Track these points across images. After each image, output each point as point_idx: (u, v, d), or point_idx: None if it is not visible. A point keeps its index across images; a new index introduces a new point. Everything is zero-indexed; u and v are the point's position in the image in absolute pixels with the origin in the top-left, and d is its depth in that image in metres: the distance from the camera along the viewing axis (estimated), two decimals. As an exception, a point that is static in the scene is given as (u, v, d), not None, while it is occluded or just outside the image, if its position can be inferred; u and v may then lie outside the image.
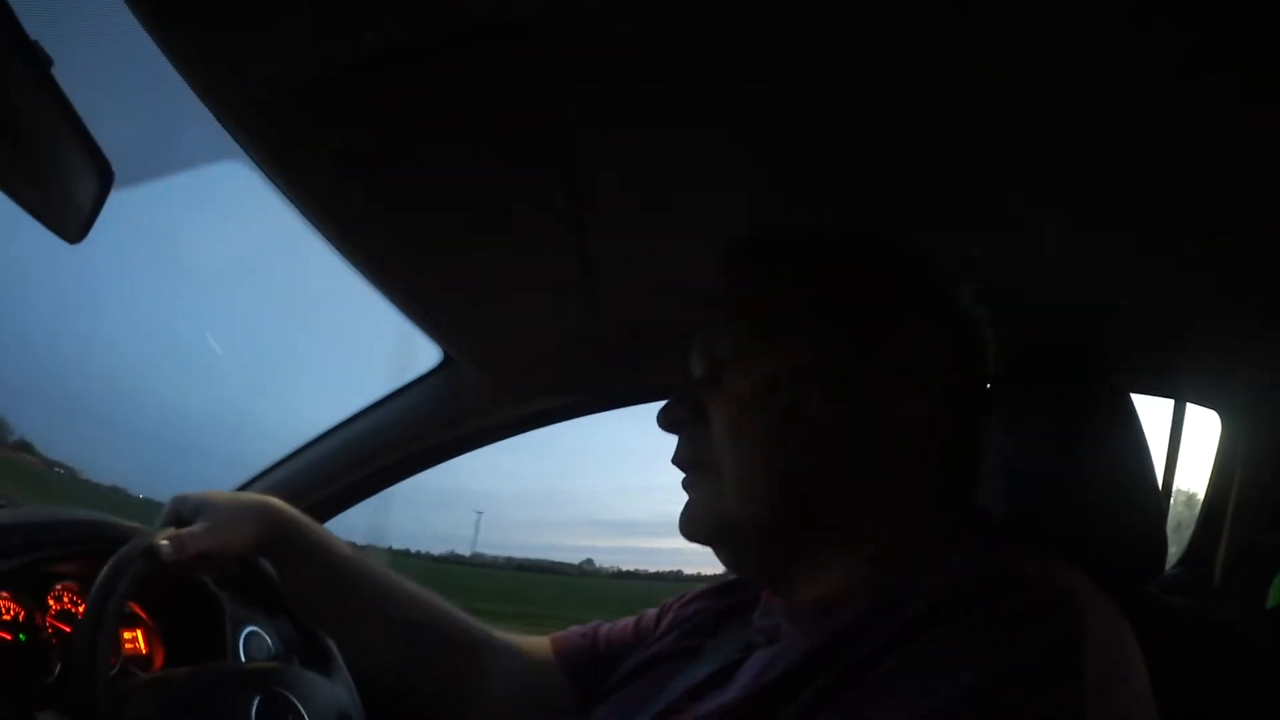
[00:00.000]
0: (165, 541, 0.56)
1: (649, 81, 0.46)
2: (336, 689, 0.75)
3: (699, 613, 0.58)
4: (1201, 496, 1.05)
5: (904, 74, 0.46)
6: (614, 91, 0.47)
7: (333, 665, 0.78)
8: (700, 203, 0.60)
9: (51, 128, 0.41)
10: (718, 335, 0.49)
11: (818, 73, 0.46)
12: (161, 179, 0.68)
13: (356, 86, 0.44)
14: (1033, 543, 0.43)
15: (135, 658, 0.72)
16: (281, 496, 0.66)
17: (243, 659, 0.74)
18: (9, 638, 0.61)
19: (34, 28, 0.38)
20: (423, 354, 0.90)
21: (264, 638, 0.78)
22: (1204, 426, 1.00)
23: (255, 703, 0.62)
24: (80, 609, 0.67)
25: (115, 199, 0.46)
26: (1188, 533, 1.07)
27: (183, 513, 0.61)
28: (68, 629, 0.66)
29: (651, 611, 0.65)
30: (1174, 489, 1.04)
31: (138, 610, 0.73)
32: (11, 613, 0.62)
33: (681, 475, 0.50)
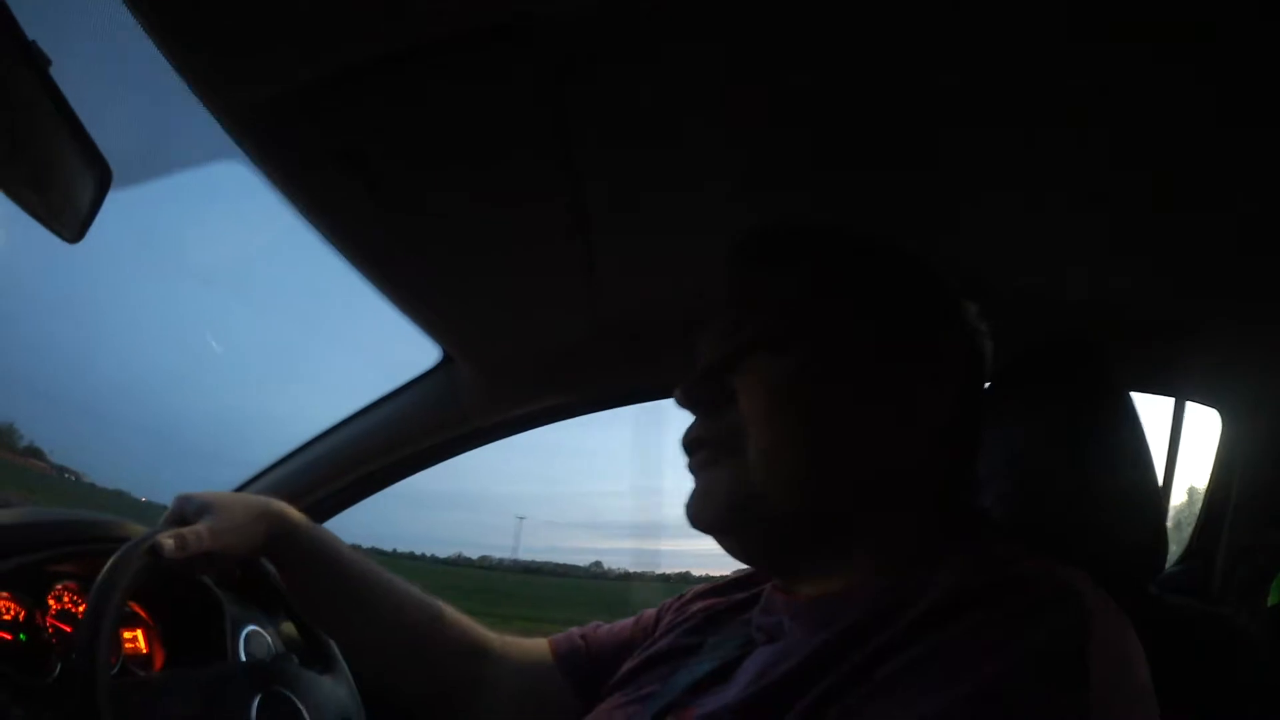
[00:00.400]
0: (168, 539, 0.56)
1: (649, 82, 0.46)
2: (337, 688, 0.75)
3: (699, 611, 0.58)
4: (1202, 494, 1.05)
5: (904, 74, 0.46)
6: (614, 92, 0.47)
7: (333, 665, 0.78)
8: (700, 203, 0.60)
9: (50, 128, 0.42)
10: (745, 320, 0.49)
11: (818, 73, 0.46)
12: (161, 179, 0.68)
13: (356, 87, 0.44)
14: (1033, 542, 0.43)
15: (135, 658, 0.72)
16: (280, 496, 0.66)
17: (243, 659, 0.74)
18: (9, 638, 0.61)
19: (34, 28, 0.38)
20: (422, 354, 0.91)
21: (264, 637, 0.78)
22: (1204, 426, 1.00)
23: (255, 702, 0.62)
24: (80, 609, 0.67)
25: (115, 199, 0.47)
26: (1188, 532, 1.07)
27: (186, 512, 0.61)
28: (68, 629, 0.66)
29: (650, 611, 0.65)
30: (1174, 487, 1.04)
31: (138, 610, 0.73)
32: (11, 613, 0.62)
33: (686, 462, 0.50)
